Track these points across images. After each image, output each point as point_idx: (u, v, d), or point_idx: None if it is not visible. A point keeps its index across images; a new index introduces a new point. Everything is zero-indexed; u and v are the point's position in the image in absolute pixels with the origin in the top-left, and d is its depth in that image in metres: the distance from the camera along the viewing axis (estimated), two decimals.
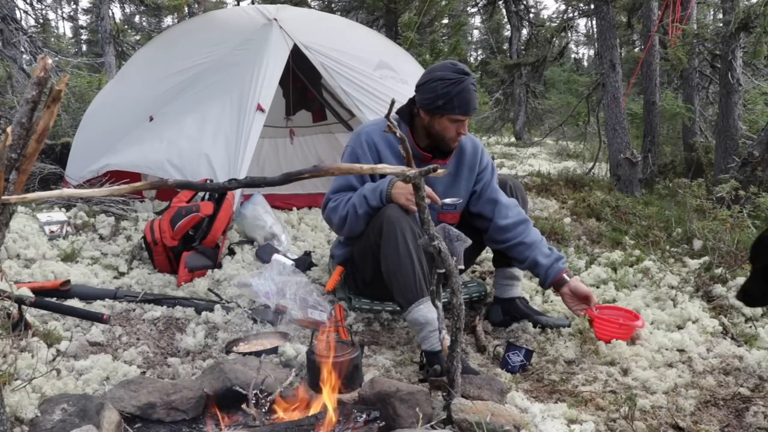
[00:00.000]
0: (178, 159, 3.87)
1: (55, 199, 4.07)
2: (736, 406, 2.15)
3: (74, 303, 2.79)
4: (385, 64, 4.71)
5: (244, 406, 1.96)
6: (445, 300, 2.28)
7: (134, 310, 2.90)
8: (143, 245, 3.46)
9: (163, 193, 4.36)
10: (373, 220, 2.58)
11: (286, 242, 3.79)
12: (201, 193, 3.61)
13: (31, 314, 2.54)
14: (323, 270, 3.46)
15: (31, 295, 2.59)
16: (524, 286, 3.16)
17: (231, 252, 3.64)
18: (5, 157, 1.37)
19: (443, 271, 1.98)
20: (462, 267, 2.07)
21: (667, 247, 4.02)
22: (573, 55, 27.18)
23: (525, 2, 15.01)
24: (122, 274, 3.34)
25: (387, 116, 1.83)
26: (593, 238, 4.39)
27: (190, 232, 3.35)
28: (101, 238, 3.75)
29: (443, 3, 11.04)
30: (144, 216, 4.01)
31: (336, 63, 4.36)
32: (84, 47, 25.01)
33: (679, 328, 2.87)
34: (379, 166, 1.95)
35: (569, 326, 2.86)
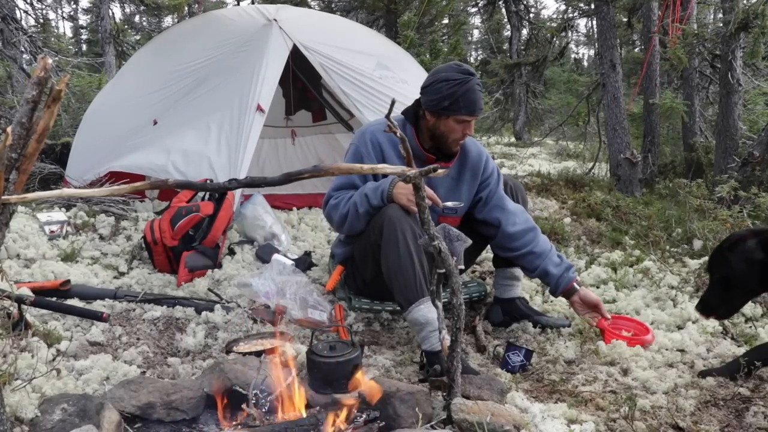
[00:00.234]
0: (183, 165, 3.88)
1: (55, 199, 4.07)
2: (736, 406, 2.15)
3: (74, 303, 2.79)
4: (384, 64, 4.71)
5: (244, 406, 1.96)
6: (445, 300, 2.28)
7: (134, 310, 2.90)
8: (143, 245, 3.46)
9: (164, 193, 4.36)
10: (373, 219, 2.58)
11: (286, 242, 3.79)
12: (201, 193, 3.61)
13: (31, 314, 2.54)
14: (323, 270, 3.46)
15: (31, 294, 2.59)
16: (524, 286, 3.16)
17: (231, 252, 3.64)
18: (5, 157, 1.37)
19: (443, 271, 1.98)
20: (462, 267, 2.07)
21: (667, 247, 4.02)
22: (573, 55, 27.17)
23: (525, 2, 15.00)
24: (122, 274, 3.34)
25: (387, 116, 1.83)
26: (593, 238, 4.39)
27: (190, 232, 3.35)
28: (101, 238, 3.75)
29: (443, 3, 11.03)
30: (144, 216, 4.01)
31: (335, 63, 4.36)
32: (84, 47, 24.99)
33: (679, 328, 2.87)
34: (380, 166, 1.95)
35: (569, 326, 2.86)
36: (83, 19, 25.48)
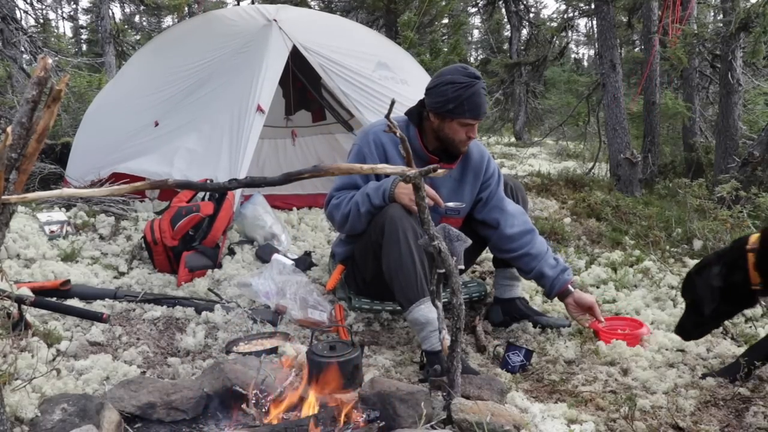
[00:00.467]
0: (184, 166, 3.89)
1: (55, 199, 4.07)
2: (736, 406, 2.14)
3: (74, 303, 2.79)
4: (384, 64, 4.71)
5: (244, 406, 1.96)
6: (445, 300, 2.28)
7: (134, 310, 2.90)
8: (143, 245, 3.46)
9: (164, 193, 4.36)
10: (375, 219, 2.58)
11: (286, 242, 3.79)
12: (201, 193, 3.61)
13: (31, 314, 2.54)
14: (323, 270, 3.46)
15: (31, 295, 2.59)
16: (524, 286, 3.16)
17: (231, 252, 3.64)
18: (5, 157, 1.37)
19: (443, 271, 1.98)
20: (462, 267, 2.07)
21: (667, 247, 4.02)
22: (573, 55, 27.18)
23: (525, 2, 15.00)
24: (122, 274, 3.34)
25: (387, 116, 1.83)
26: (593, 238, 4.39)
27: (190, 232, 3.35)
28: (101, 238, 3.75)
29: (443, 3, 11.04)
30: (144, 216, 4.01)
31: (335, 64, 4.36)
32: (84, 47, 24.99)
33: None
34: (380, 165, 1.95)
35: (569, 326, 2.87)
36: (83, 19, 25.51)
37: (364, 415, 1.98)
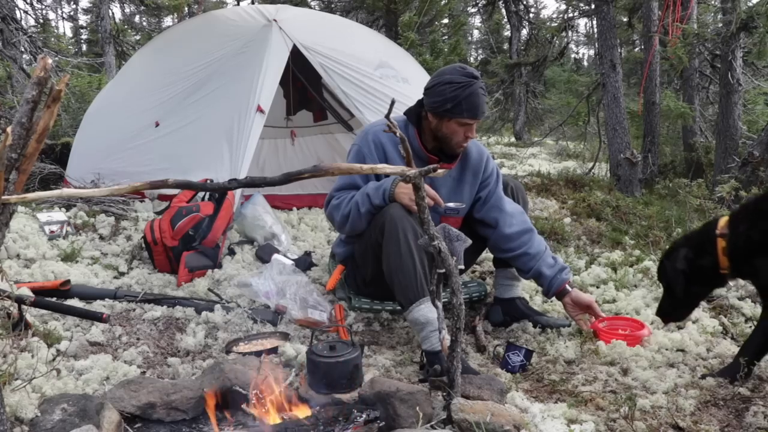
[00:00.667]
0: (187, 168, 3.89)
1: (55, 199, 4.07)
2: (736, 406, 2.14)
3: (74, 303, 2.79)
4: (385, 63, 4.71)
5: (244, 406, 1.96)
6: (445, 300, 2.28)
7: (134, 310, 2.90)
8: (143, 245, 3.46)
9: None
10: (375, 218, 2.58)
11: (286, 242, 3.79)
12: (201, 193, 3.61)
13: (31, 314, 2.54)
14: (323, 270, 3.46)
15: (31, 295, 2.59)
16: (524, 287, 3.16)
17: (231, 252, 3.64)
18: (5, 157, 1.37)
19: (443, 271, 1.98)
20: (462, 267, 2.07)
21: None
22: (573, 55, 27.18)
23: (525, 2, 15.00)
24: (122, 274, 3.34)
25: (387, 116, 1.83)
26: (593, 238, 4.39)
27: (190, 232, 3.35)
28: (101, 238, 3.75)
29: (443, 3, 11.04)
30: (144, 216, 4.01)
31: (335, 63, 4.36)
32: (84, 47, 24.99)
33: (679, 328, 2.87)
34: (379, 165, 1.95)
35: (569, 326, 2.86)
36: (83, 19, 25.50)
37: (364, 415, 1.98)
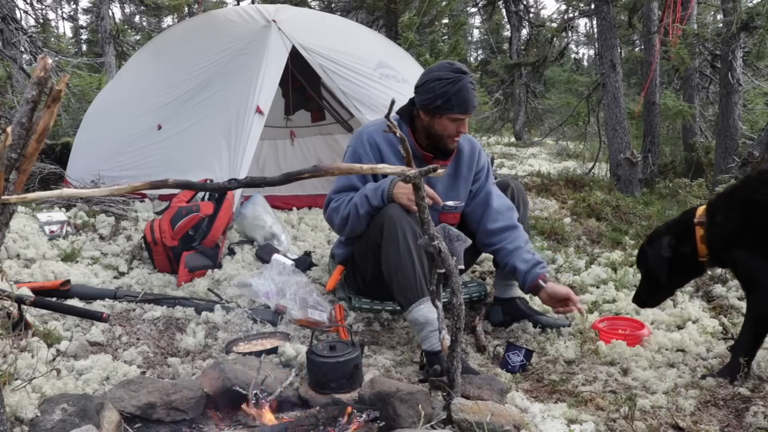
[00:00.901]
0: (187, 169, 3.90)
1: (55, 199, 4.07)
2: (736, 406, 2.15)
3: (74, 303, 2.79)
4: (384, 64, 4.71)
5: (244, 406, 1.96)
6: (445, 300, 2.28)
7: (134, 310, 2.90)
8: (143, 245, 3.46)
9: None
10: (374, 219, 2.58)
11: (286, 242, 3.79)
12: (201, 193, 3.61)
13: (31, 314, 2.54)
14: (323, 270, 3.46)
15: (31, 294, 2.59)
16: None
17: (231, 252, 3.64)
18: (5, 157, 1.37)
19: (443, 271, 1.98)
20: (462, 267, 2.07)
21: None
22: (573, 55, 27.17)
23: (525, 2, 15.00)
24: (122, 274, 3.34)
25: (387, 116, 1.83)
26: (593, 238, 4.39)
27: (190, 232, 3.35)
28: (101, 238, 3.75)
29: (443, 3, 11.05)
30: (144, 216, 4.01)
31: (334, 64, 4.36)
32: (84, 47, 24.99)
33: (679, 328, 2.87)
34: (379, 166, 1.95)
35: (569, 326, 2.86)
36: (83, 19, 25.49)
37: (364, 415, 1.98)
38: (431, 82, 2.57)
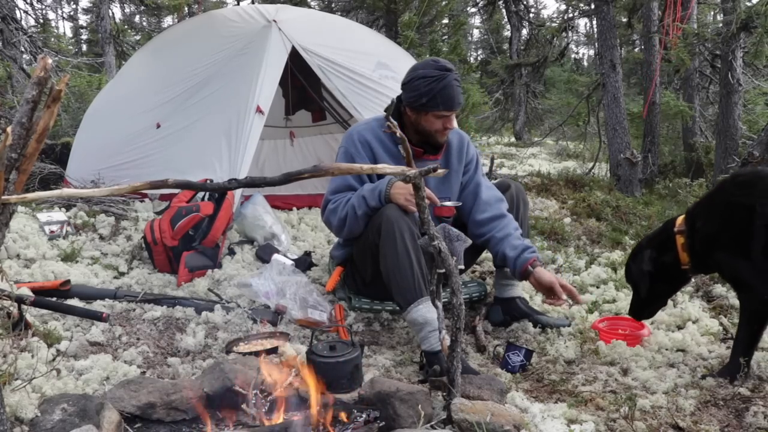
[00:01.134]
0: (187, 169, 3.90)
1: (55, 199, 4.07)
2: (736, 406, 2.14)
3: (74, 303, 2.79)
4: (384, 64, 4.71)
5: (243, 406, 1.96)
6: (445, 300, 2.28)
7: (134, 310, 2.90)
8: (143, 245, 3.46)
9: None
10: (372, 220, 2.59)
11: (286, 242, 3.79)
12: (201, 193, 3.61)
13: (31, 314, 2.54)
14: (323, 270, 3.46)
15: (31, 294, 2.59)
16: (524, 286, 3.16)
17: (231, 252, 3.64)
18: (5, 157, 1.37)
19: (443, 271, 1.98)
20: (462, 267, 2.07)
21: None
22: (573, 55, 27.16)
23: (525, 2, 15.01)
24: (122, 274, 3.34)
25: (387, 116, 1.83)
26: (593, 238, 4.39)
27: (190, 232, 3.35)
28: (101, 238, 3.75)
29: (443, 3, 11.04)
30: (144, 216, 4.01)
31: (334, 64, 4.36)
32: (84, 47, 24.98)
33: (679, 328, 2.87)
34: (380, 166, 1.95)
35: (569, 326, 2.86)
36: (83, 19, 25.48)
37: (364, 415, 1.98)
38: (416, 80, 2.60)
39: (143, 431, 1.91)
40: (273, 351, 2.47)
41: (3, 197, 1.40)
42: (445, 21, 15.66)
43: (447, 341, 2.05)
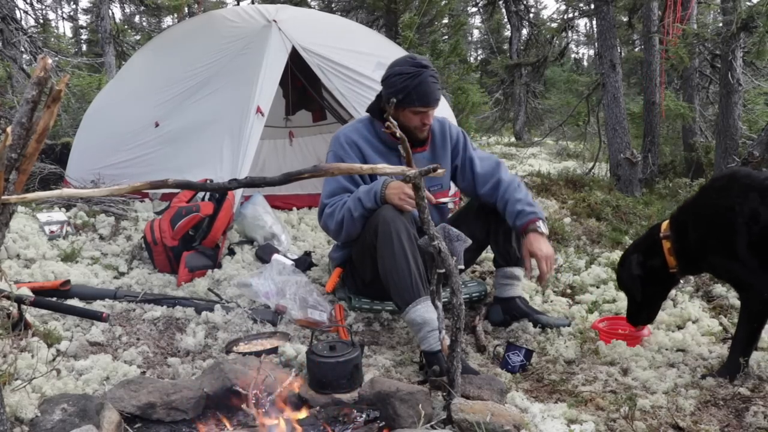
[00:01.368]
0: (187, 169, 3.90)
1: (55, 199, 4.07)
2: (736, 406, 2.15)
3: (74, 303, 2.79)
4: (384, 64, 4.68)
5: (244, 406, 1.96)
6: (445, 300, 2.28)
7: (134, 310, 2.90)
8: (143, 245, 3.46)
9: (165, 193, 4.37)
10: (368, 221, 2.59)
11: (286, 242, 3.79)
12: (201, 193, 3.61)
13: (31, 314, 2.54)
14: (323, 270, 3.46)
15: (31, 294, 2.59)
16: (524, 286, 3.16)
17: (231, 252, 3.64)
18: (5, 157, 1.37)
19: (443, 271, 1.98)
20: (462, 267, 2.08)
21: None
22: (573, 55, 27.17)
23: (525, 2, 15.01)
24: (122, 274, 3.34)
25: (386, 116, 1.83)
26: (593, 238, 4.39)
27: (190, 232, 3.35)
28: (101, 238, 3.75)
29: (443, 3, 11.03)
30: (144, 216, 4.01)
31: (334, 64, 4.36)
32: (84, 47, 24.96)
33: (679, 328, 2.87)
34: (379, 166, 1.95)
35: (569, 326, 2.86)
36: (83, 19, 25.47)
37: (364, 415, 1.98)
38: (393, 77, 2.65)
39: (143, 431, 1.91)
40: (273, 351, 2.47)
41: (3, 197, 1.40)
42: (445, 21, 15.64)
43: (447, 341, 2.05)
